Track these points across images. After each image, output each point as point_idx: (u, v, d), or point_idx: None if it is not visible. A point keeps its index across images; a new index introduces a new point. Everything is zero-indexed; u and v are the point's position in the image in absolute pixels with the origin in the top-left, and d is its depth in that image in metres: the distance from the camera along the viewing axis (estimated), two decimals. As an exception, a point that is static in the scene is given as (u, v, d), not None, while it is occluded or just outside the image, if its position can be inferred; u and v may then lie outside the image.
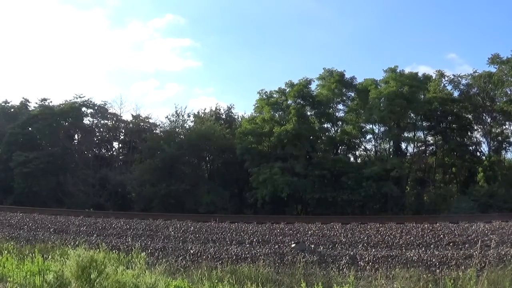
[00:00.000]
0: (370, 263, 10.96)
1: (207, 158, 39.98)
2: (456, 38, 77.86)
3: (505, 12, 76.13)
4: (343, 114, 37.07)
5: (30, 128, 39.19)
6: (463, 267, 9.69)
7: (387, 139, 35.61)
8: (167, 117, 40.40)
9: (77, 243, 12.13)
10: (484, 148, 35.02)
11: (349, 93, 36.50)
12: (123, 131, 45.62)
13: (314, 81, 36.11)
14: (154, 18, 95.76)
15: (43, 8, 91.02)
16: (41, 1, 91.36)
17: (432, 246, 11.66)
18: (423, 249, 11.45)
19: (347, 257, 11.37)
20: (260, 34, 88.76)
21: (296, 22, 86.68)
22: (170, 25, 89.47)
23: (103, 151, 45.55)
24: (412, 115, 35.08)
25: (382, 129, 35.31)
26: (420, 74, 35.17)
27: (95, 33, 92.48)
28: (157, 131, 42.56)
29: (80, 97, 42.24)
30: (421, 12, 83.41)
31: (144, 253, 8.14)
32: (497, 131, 34.68)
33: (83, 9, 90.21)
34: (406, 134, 35.58)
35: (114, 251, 10.45)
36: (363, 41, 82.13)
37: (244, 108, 75.11)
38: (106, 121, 45.30)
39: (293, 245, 12.20)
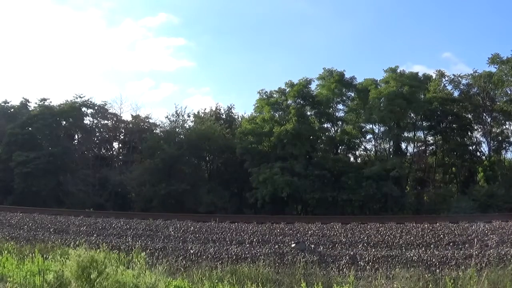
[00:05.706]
0: (370, 263, 10.96)
1: (207, 158, 40.00)
2: (452, 37, 78.10)
3: (503, 11, 76.33)
4: (343, 114, 37.18)
5: (30, 128, 39.11)
6: (463, 267, 9.70)
7: (387, 139, 35.66)
8: (167, 117, 40.42)
9: (77, 243, 12.14)
10: (484, 148, 35.13)
11: (349, 93, 36.54)
12: (123, 131, 45.63)
13: (314, 81, 36.24)
14: (147, 17, 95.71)
15: (42, 9, 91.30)
16: (39, 2, 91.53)
17: (432, 246, 11.66)
18: (423, 249, 11.45)
19: (347, 257, 11.38)
20: (256, 35, 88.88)
21: (292, 23, 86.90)
22: (163, 24, 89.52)
23: (103, 151, 45.56)
24: (412, 115, 35.12)
25: (382, 129, 35.43)
26: (418, 74, 35.34)
27: (92, 33, 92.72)
28: (157, 131, 42.53)
29: (80, 97, 42.31)
30: (415, 12, 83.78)
31: (144, 253, 8.14)
32: (497, 131, 34.69)
33: (79, 9, 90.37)
34: (406, 134, 35.69)
35: (114, 251, 10.44)
36: (359, 41, 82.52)
37: (241, 107, 75.02)
38: (106, 121, 45.34)
39: (293, 245, 12.20)
